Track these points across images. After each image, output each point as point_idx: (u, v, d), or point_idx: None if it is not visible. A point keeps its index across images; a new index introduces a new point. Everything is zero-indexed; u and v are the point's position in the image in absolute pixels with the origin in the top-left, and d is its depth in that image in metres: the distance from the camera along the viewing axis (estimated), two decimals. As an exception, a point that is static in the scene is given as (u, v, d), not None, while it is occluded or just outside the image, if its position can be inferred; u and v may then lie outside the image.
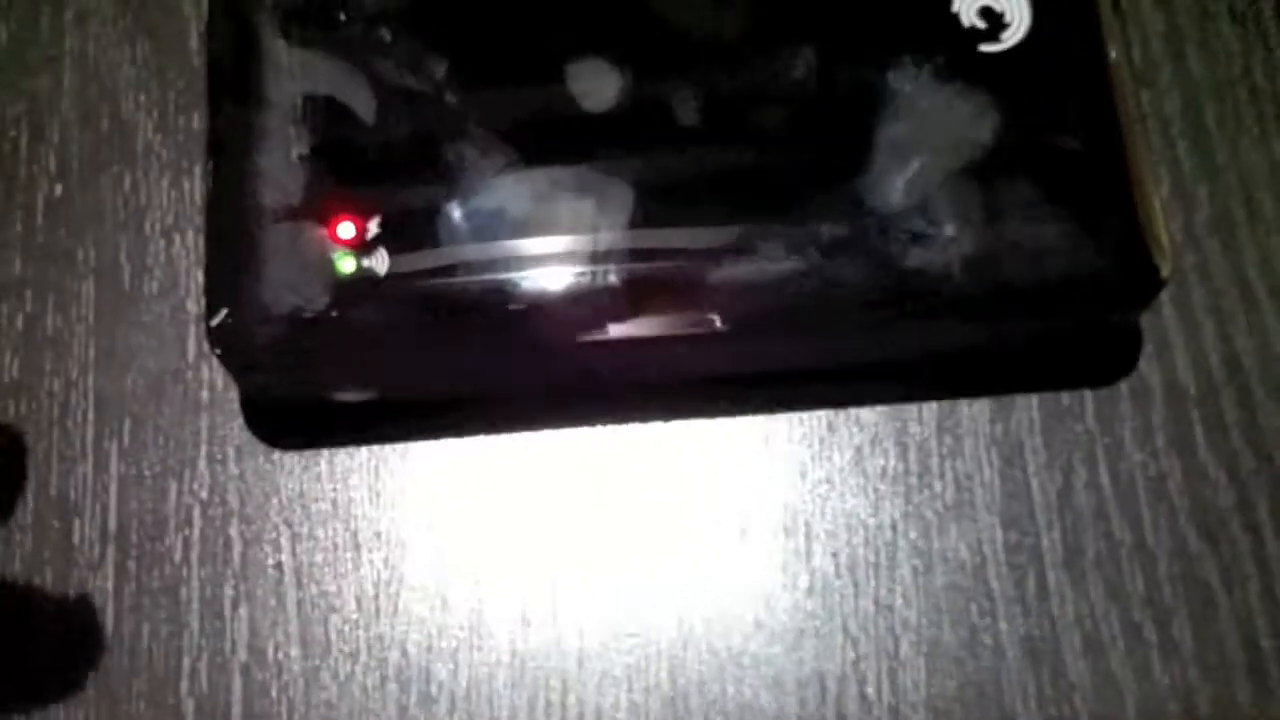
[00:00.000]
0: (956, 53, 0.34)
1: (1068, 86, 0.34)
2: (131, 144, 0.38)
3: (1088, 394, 0.35)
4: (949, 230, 0.33)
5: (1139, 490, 0.35)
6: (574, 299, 0.33)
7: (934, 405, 0.35)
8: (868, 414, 0.35)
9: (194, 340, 0.36)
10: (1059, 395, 0.35)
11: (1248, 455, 0.35)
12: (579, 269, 0.33)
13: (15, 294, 0.36)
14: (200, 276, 0.36)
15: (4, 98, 0.38)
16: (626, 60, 0.34)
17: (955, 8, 0.34)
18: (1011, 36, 0.34)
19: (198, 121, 0.38)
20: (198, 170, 0.37)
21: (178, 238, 0.37)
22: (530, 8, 0.35)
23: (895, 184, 0.33)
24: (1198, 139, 0.38)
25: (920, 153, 0.33)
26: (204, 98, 0.37)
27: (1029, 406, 0.35)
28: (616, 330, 0.33)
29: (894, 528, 0.34)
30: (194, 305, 0.36)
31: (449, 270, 0.33)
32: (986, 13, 0.34)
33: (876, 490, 0.35)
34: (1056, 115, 0.33)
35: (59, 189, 0.37)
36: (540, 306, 0.33)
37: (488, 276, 0.33)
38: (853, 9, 0.34)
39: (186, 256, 0.37)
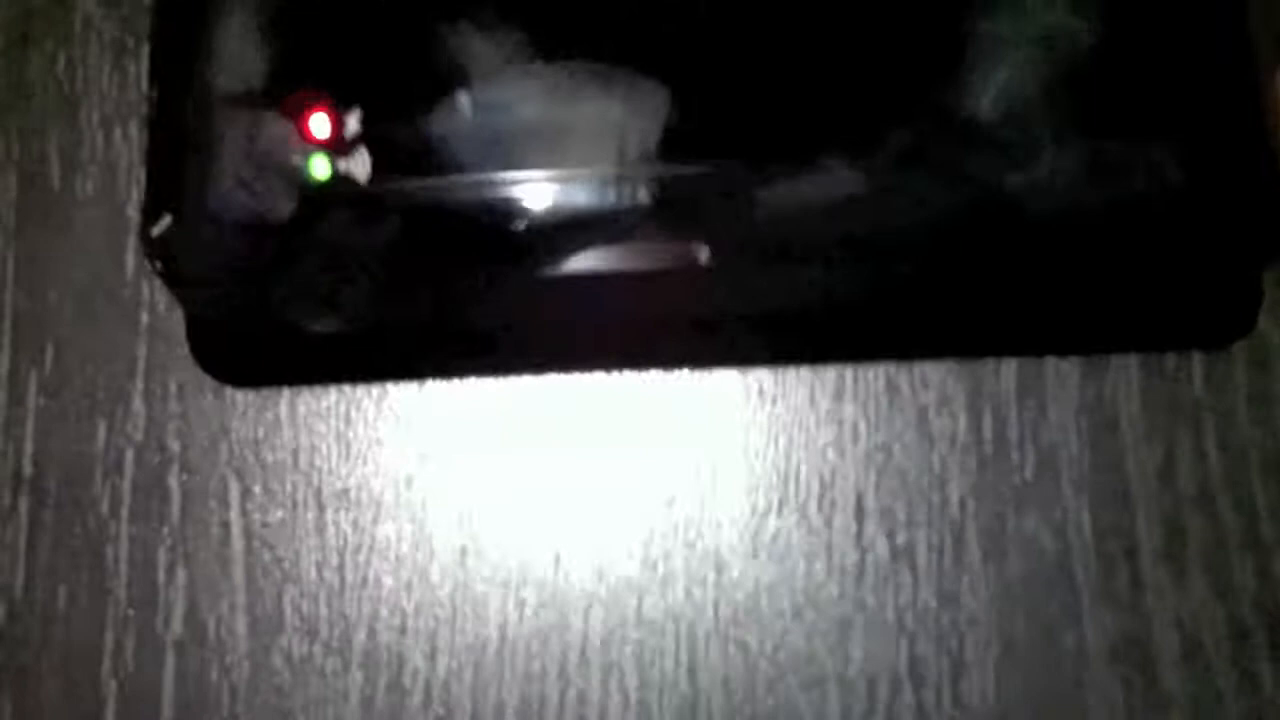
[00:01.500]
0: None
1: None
2: (68, 15, 0.32)
3: (1196, 356, 0.30)
4: (1045, 143, 0.27)
5: (1252, 469, 0.29)
6: (593, 219, 0.27)
7: (1014, 362, 0.30)
8: (935, 370, 0.30)
9: (133, 252, 0.30)
10: (1163, 356, 0.30)
11: (1379, 433, 0.30)
12: (600, 182, 0.27)
13: (-81, 189, 0.31)
14: (143, 176, 0.31)
15: (-84, -43, 0.32)
16: (664, -68, 0.28)
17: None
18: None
19: (148, -7, 0.32)
20: (144, 51, 0.31)
21: (118, 129, 0.31)
22: None
23: (982, 86, 0.27)
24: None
25: (1011, 49, 0.28)
26: (156, -36, 0.32)
27: (1126, 368, 0.30)
28: (643, 256, 0.27)
29: (962, 505, 0.29)
30: (134, 210, 0.31)
31: (443, 178, 0.27)
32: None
33: (943, 460, 0.29)
34: (1175, 9, 0.28)
35: (-21, 66, 0.31)
36: (552, 226, 0.27)
37: (490, 188, 0.27)
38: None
39: (129, 153, 0.31)
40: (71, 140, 0.31)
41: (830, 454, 0.29)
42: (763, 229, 0.27)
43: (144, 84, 0.31)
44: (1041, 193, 0.27)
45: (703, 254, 0.27)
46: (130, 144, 0.31)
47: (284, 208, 0.27)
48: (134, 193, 0.31)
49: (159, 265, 0.28)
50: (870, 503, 0.29)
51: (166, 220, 0.27)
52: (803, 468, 0.29)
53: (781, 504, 0.29)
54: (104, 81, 0.31)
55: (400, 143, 0.27)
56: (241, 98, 0.28)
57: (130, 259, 0.30)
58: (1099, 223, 0.28)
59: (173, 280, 0.28)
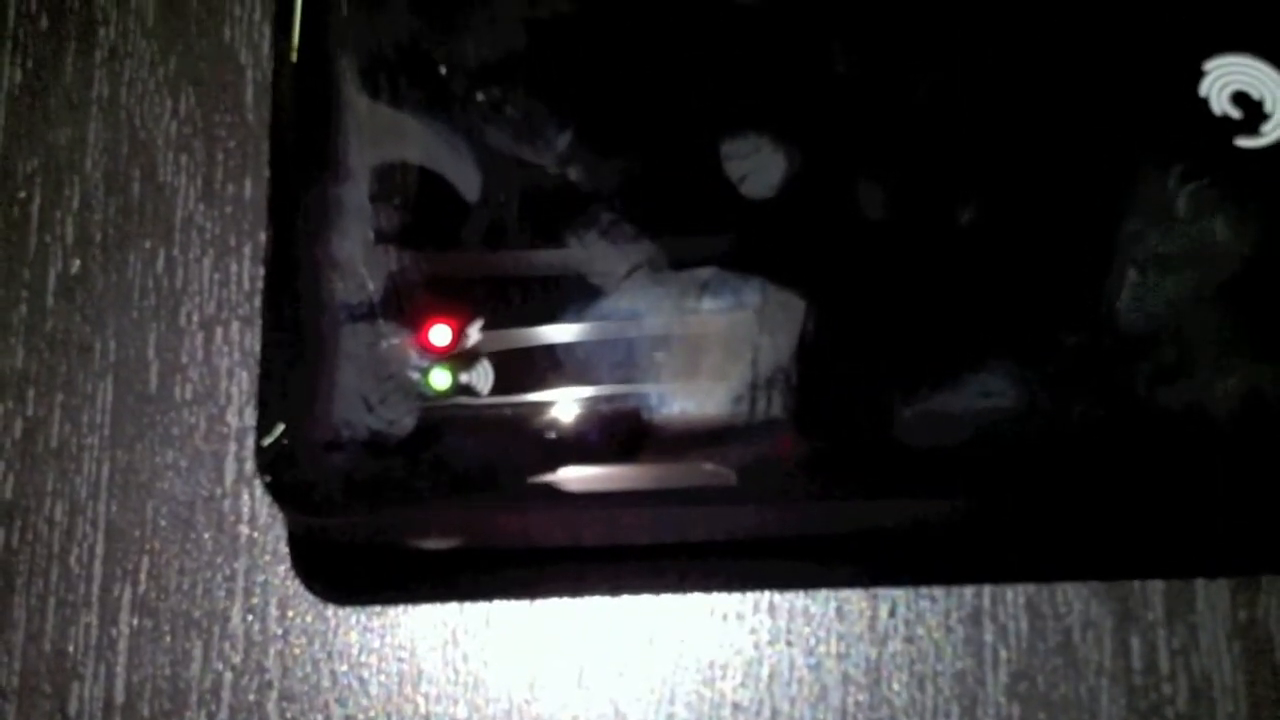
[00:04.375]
0: (1207, 146, 0.27)
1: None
2: (168, 214, 0.31)
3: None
4: (1203, 363, 0.26)
5: None
6: (726, 435, 0.26)
7: (1160, 584, 0.28)
8: (1076, 590, 0.28)
9: (233, 461, 0.29)
10: (1317, 577, 0.28)
11: None
12: (734, 398, 0.26)
13: (15, 393, 0.29)
14: (245, 380, 0.29)
15: (15, 151, 0.31)
16: (796, 135, 0.27)
17: (1204, 91, 0.28)
18: (1274, 130, 0.27)
19: (250, 190, 0.31)
20: (247, 249, 0.30)
21: (219, 331, 0.30)
22: (678, 67, 0.28)
23: (1136, 303, 0.26)
24: None
25: (1166, 267, 0.27)
26: (258, 161, 0.31)
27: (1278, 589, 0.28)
28: (776, 481, 0.26)
29: (1113, 739, 0.27)
30: (235, 417, 0.29)
31: (568, 391, 0.26)
32: (1241, 99, 0.28)
33: (1090, 688, 0.28)
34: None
35: (76, 265, 0.30)
36: (683, 442, 0.26)
37: (617, 401, 0.26)
38: (1084, 90, 0.28)
39: (229, 355, 0.30)
40: (170, 342, 0.30)
41: (970, 682, 0.28)
42: (910, 449, 0.26)
43: (246, 283, 0.30)
44: (1204, 409, 0.26)
45: (845, 478, 0.26)
46: (231, 346, 0.30)
47: (404, 422, 0.26)
48: (235, 397, 0.29)
49: (268, 478, 0.26)
50: (1014, 735, 0.27)
51: (279, 431, 0.26)
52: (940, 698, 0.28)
53: (918, 736, 0.27)
54: (204, 281, 0.30)
55: (522, 353, 0.26)
56: (358, 305, 0.27)
57: (230, 468, 0.29)
58: (1248, 445, 0.26)
59: (281, 495, 0.26)
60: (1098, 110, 0.28)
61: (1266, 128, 0.28)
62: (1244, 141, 0.27)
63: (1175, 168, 0.27)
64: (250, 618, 0.28)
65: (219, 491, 0.29)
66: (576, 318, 0.26)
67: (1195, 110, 0.28)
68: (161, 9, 0.32)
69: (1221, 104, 0.28)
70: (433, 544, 0.28)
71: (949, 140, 0.27)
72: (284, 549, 0.28)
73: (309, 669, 0.28)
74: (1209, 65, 0.28)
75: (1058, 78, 0.28)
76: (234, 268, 0.30)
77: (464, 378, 0.26)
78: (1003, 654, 0.28)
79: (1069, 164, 0.27)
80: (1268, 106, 0.28)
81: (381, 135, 0.28)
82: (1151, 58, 0.28)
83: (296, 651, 0.28)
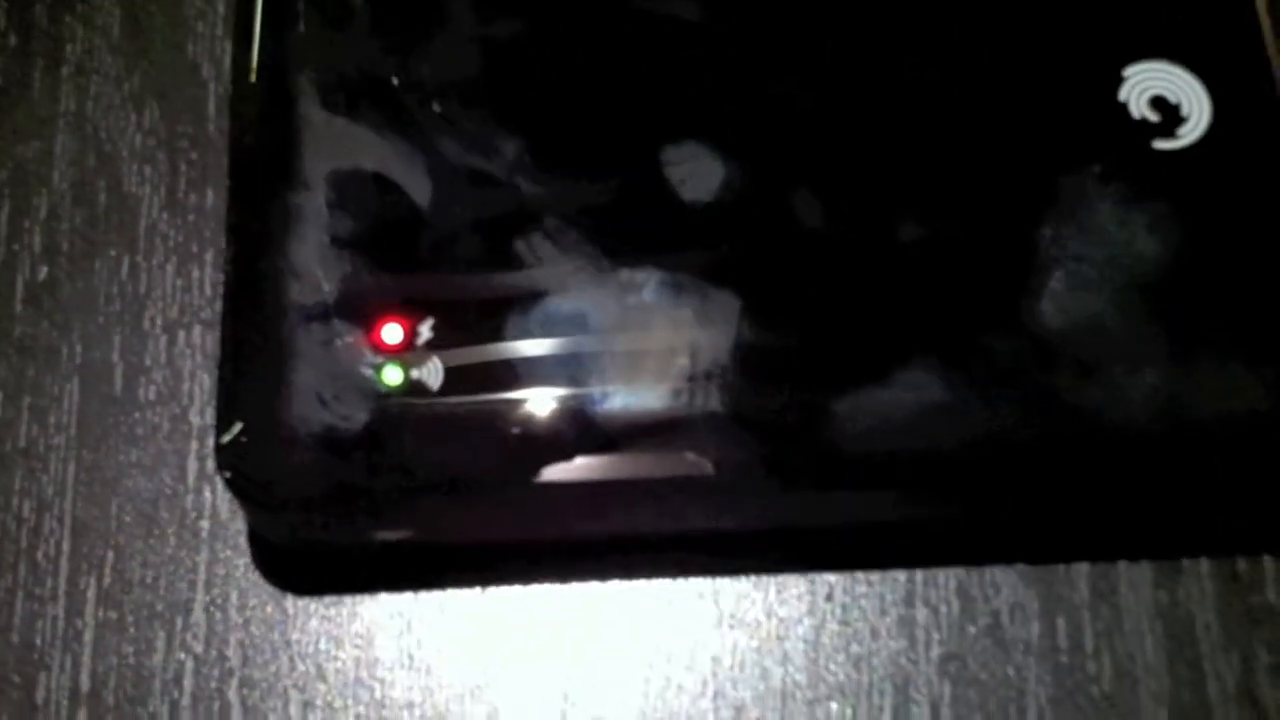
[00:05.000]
0: (1125, 150, 0.29)
1: (1258, 193, 0.28)
2: (133, 223, 0.32)
3: (1268, 560, 0.29)
4: (1121, 362, 0.27)
5: (1331, 679, 0.29)
6: (665, 428, 0.27)
7: (1085, 566, 0.29)
8: (1005, 574, 0.29)
9: (195, 459, 0.30)
10: (1234, 560, 0.29)
11: None
12: (672, 392, 0.27)
13: (-17, 395, 0.31)
14: (207, 381, 0.30)
15: (-16, 163, 0.32)
16: (734, 143, 0.29)
17: (1123, 96, 0.29)
18: (1190, 132, 0.29)
19: (211, 199, 0.32)
20: (209, 256, 0.31)
21: (182, 334, 0.31)
22: (620, 78, 0.29)
23: (1056, 305, 0.28)
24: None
25: (1084, 268, 0.28)
26: (219, 172, 0.32)
27: (1198, 573, 0.29)
28: (712, 470, 0.27)
29: (1040, 717, 0.28)
30: (197, 416, 0.30)
31: (515, 387, 0.27)
32: (1159, 103, 0.29)
33: (1018, 667, 0.29)
34: (1246, 227, 0.28)
35: (43, 272, 0.31)
36: (624, 434, 0.27)
37: (562, 397, 0.27)
38: (1004, 96, 0.29)
39: (191, 357, 0.31)
40: (135, 345, 0.31)
41: (903, 662, 0.29)
42: (838, 443, 0.27)
43: (208, 288, 0.31)
44: (1122, 407, 0.27)
45: (775, 467, 0.27)
46: (194, 348, 0.31)
47: (358, 417, 0.27)
48: (197, 397, 0.30)
49: (228, 474, 0.27)
50: (945, 714, 0.28)
51: (238, 428, 0.27)
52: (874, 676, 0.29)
53: (854, 716, 0.28)
54: (167, 286, 0.31)
55: (471, 350, 0.27)
56: (314, 306, 0.28)
57: (192, 465, 0.30)
58: (1184, 437, 0.27)
59: (241, 490, 0.28)
60: (1020, 116, 0.29)
61: (1183, 130, 0.29)
62: (1161, 144, 0.29)
63: (1095, 170, 0.29)
64: (212, 609, 0.29)
65: (181, 488, 0.30)
66: (523, 318, 0.28)
67: (1114, 114, 0.29)
68: (127, 26, 0.33)
69: (1140, 108, 0.29)
70: (387, 535, 0.29)
71: (877, 146, 0.29)
72: (244, 543, 0.29)
73: (269, 657, 0.29)
74: (1128, 71, 0.29)
75: (982, 85, 0.29)
76: (196, 273, 0.31)
77: (416, 375, 0.27)
78: (935, 635, 0.29)
79: (994, 169, 0.29)
80: (1184, 110, 0.29)
81: (337, 146, 0.29)
82: (1072, 64, 0.29)
83: (256, 640, 0.29)
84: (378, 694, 0.29)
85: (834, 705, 0.28)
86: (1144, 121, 0.29)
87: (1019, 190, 0.29)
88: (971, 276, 0.28)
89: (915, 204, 0.28)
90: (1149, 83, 0.29)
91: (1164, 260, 0.28)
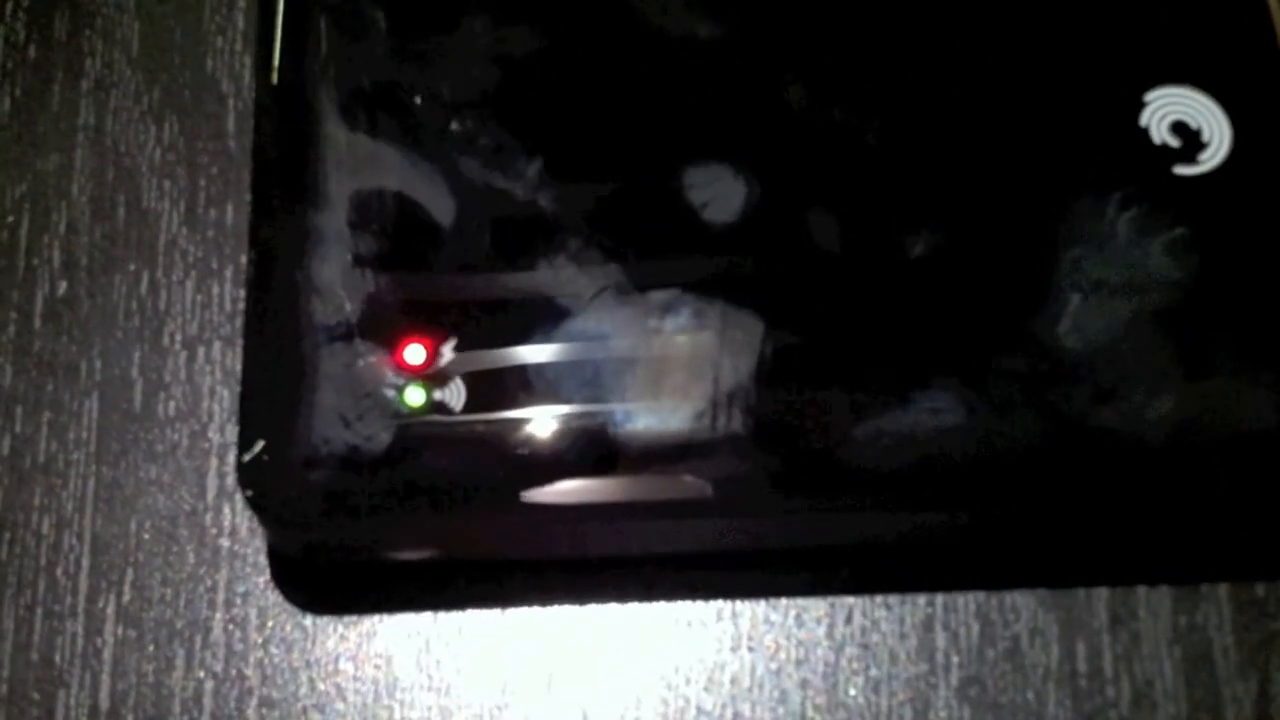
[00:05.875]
0: (1145, 175, 0.29)
1: (1278, 218, 0.29)
2: (152, 238, 0.32)
3: (1286, 585, 0.30)
4: (1140, 385, 0.27)
5: (1348, 704, 0.29)
6: (688, 448, 0.27)
7: (1104, 591, 0.29)
8: (1024, 598, 0.29)
9: (215, 476, 0.30)
10: (1253, 586, 0.29)
11: None
12: (694, 413, 0.27)
13: (3, 411, 0.30)
14: (227, 398, 0.30)
15: (4, 178, 0.32)
16: (757, 164, 0.29)
17: (1144, 121, 0.29)
18: (1210, 158, 0.29)
19: (231, 215, 0.32)
20: (229, 272, 0.31)
21: (202, 351, 0.31)
22: (643, 98, 0.29)
23: (1074, 327, 0.28)
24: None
25: (1104, 291, 0.28)
26: (239, 187, 0.32)
27: (1216, 598, 0.29)
28: (737, 494, 0.27)
29: (1059, 741, 0.28)
30: (217, 434, 0.30)
31: (538, 408, 0.27)
32: (1180, 129, 0.29)
33: (1037, 692, 0.29)
34: (1265, 251, 0.28)
35: (63, 288, 0.31)
36: (648, 457, 0.27)
37: (584, 418, 0.27)
38: (1025, 120, 0.29)
39: (211, 373, 0.31)
40: (154, 361, 0.31)
41: (922, 686, 0.29)
42: (860, 466, 0.27)
43: (227, 304, 0.31)
44: (1140, 430, 0.27)
45: (801, 491, 0.27)
46: (213, 365, 0.31)
47: (380, 438, 0.27)
48: (217, 414, 0.30)
49: (249, 493, 0.27)
50: (965, 738, 0.29)
51: (259, 447, 0.27)
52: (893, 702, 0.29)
53: (874, 738, 0.29)
54: (187, 303, 0.31)
55: (494, 371, 0.27)
56: (336, 325, 0.28)
57: (212, 483, 0.30)
58: (1194, 463, 0.28)
59: (262, 509, 0.27)
60: (1042, 140, 0.29)
61: (1204, 156, 0.29)
62: (1182, 169, 0.29)
63: (1116, 195, 0.29)
64: (231, 627, 0.29)
65: (201, 506, 0.30)
66: (545, 338, 0.28)
67: (1135, 139, 0.29)
68: (146, 41, 0.33)
69: (1161, 133, 0.29)
70: (408, 555, 0.29)
71: (899, 169, 0.29)
72: (264, 561, 0.29)
73: (288, 677, 0.29)
74: (1149, 96, 0.29)
75: (1003, 109, 0.29)
76: (216, 290, 0.31)
77: (438, 395, 0.27)
78: (954, 659, 0.29)
79: (1015, 192, 0.29)
80: (1205, 136, 0.29)
81: (359, 164, 0.29)
82: (1094, 89, 0.29)
83: (276, 660, 0.29)
84: (397, 715, 0.29)
85: (853, 728, 0.28)
86: (1165, 147, 0.29)
87: (1039, 213, 0.29)
88: (991, 298, 0.28)
89: (936, 225, 0.28)
90: (1170, 108, 0.29)
91: (1183, 284, 0.28)
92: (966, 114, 0.29)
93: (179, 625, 0.29)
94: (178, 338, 0.31)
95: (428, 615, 0.29)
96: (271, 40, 0.30)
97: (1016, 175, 0.29)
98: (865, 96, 0.29)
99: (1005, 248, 0.28)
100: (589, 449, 0.27)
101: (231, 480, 0.30)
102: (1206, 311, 0.28)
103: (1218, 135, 0.29)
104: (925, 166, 0.29)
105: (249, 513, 0.29)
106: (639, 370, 0.27)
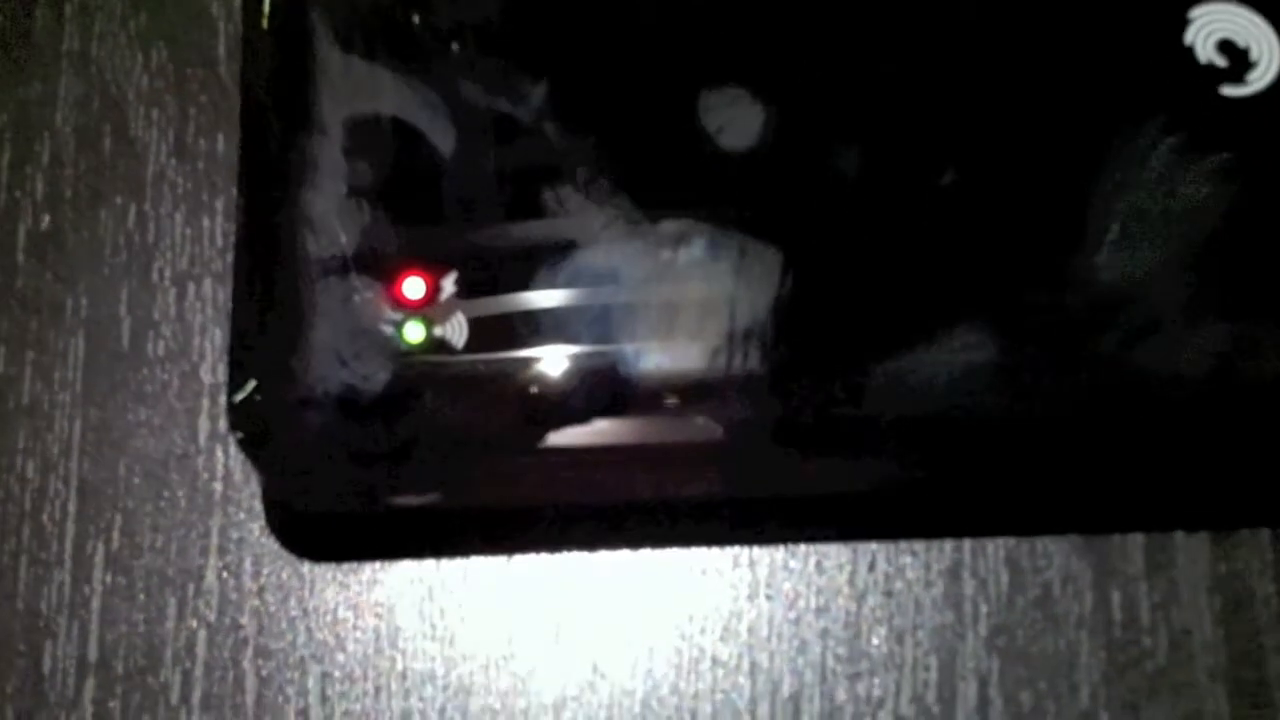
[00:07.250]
0: (1190, 97, 0.27)
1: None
2: (140, 170, 0.30)
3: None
4: (1180, 320, 0.26)
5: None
6: (703, 388, 0.26)
7: (1140, 537, 0.28)
8: (1056, 544, 0.28)
9: (207, 417, 0.29)
10: (1296, 530, 0.28)
11: None
12: (709, 351, 0.26)
13: (-15, 350, 0.29)
14: (219, 336, 0.29)
15: (-16, 106, 0.31)
16: (776, 87, 0.27)
17: (1189, 39, 0.27)
18: (1259, 79, 0.27)
19: (222, 145, 0.30)
20: (220, 205, 0.30)
21: (192, 287, 0.29)
22: (654, 19, 0.28)
23: (1112, 260, 0.26)
24: None
25: (1144, 221, 0.26)
26: (232, 117, 0.30)
27: (1258, 543, 0.28)
28: (754, 437, 0.26)
29: (1093, 695, 0.27)
30: (209, 374, 0.29)
31: (542, 344, 0.26)
32: (1227, 47, 0.27)
33: (1070, 641, 0.27)
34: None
35: (46, 221, 0.30)
36: (659, 395, 0.26)
37: (593, 357, 0.26)
38: (1063, 39, 0.27)
39: (202, 310, 0.29)
40: (143, 298, 0.29)
41: (949, 636, 0.28)
42: (882, 404, 0.26)
43: (219, 239, 0.30)
44: (1178, 368, 0.26)
45: (819, 429, 0.26)
46: (204, 302, 0.29)
47: (378, 376, 0.26)
48: (208, 354, 0.29)
49: (240, 434, 0.26)
50: (993, 690, 0.27)
51: (250, 386, 0.26)
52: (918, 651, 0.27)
53: (898, 692, 0.27)
54: (177, 236, 0.30)
55: (497, 306, 0.26)
56: (331, 259, 0.26)
57: (204, 424, 0.29)
58: (1233, 401, 0.26)
59: (255, 451, 0.26)
60: (1079, 60, 0.27)
61: (1252, 76, 0.27)
62: (1229, 90, 0.27)
63: (1158, 118, 0.27)
64: (225, 575, 0.28)
65: (193, 449, 0.29)
66: (552, 272, 0.26)
67: (1180, 58, 0.27)
68: (132, -39, 0.32)
69: (1207, 52, 0.27)
70: (409, 500, 0.27)
71: (928, 93, 0.27)
72: (259, 506, 0.28)
73: (285, 626, 0.28)
74: (1194, 12, 0.28)
75: (1040, 25, 0.27)
76: (206, 223, 0.30)
77: (439, 331, 0.26)
78: (982, 608, 0.28)
79: (1050, 117, 0.27)
80: (1254, 54, 0.27)
81: (355, 90, 0.27)
82: (1136, 4, 0.28)
83: (272, 608, 0.28)
84: (399, 665, 0.27)
85: (876, 680, 0.27)
86: (1211, 66, 0.27)
87: (1076, 139, 0.27)
88: (1023, 229, 0.27)
89: (966, 154, 0.27)
90: (1217, 25, 0.27)
91: (1227, 213, 0.27)
92: (999, 30, 0.27)
93: (170, 573, 0.28)
94: (167, 273, 0.30)
95: (430, 562, 0.28)
96: (263, -41, 0.28)
97: (1052, 98, 0.27)
98: (894, 12, 0.27)
99: (1039, 175, 0.27)
100: (597, 389, 0.26)
101: (224, 423, 0.29)
102: (1251, 243, 0.26)
103: (1267, 54, 0.27)
104: (955, 88, 0.27)
105: (243, 456, 0.28)
106: (651, 306, 0.26)
